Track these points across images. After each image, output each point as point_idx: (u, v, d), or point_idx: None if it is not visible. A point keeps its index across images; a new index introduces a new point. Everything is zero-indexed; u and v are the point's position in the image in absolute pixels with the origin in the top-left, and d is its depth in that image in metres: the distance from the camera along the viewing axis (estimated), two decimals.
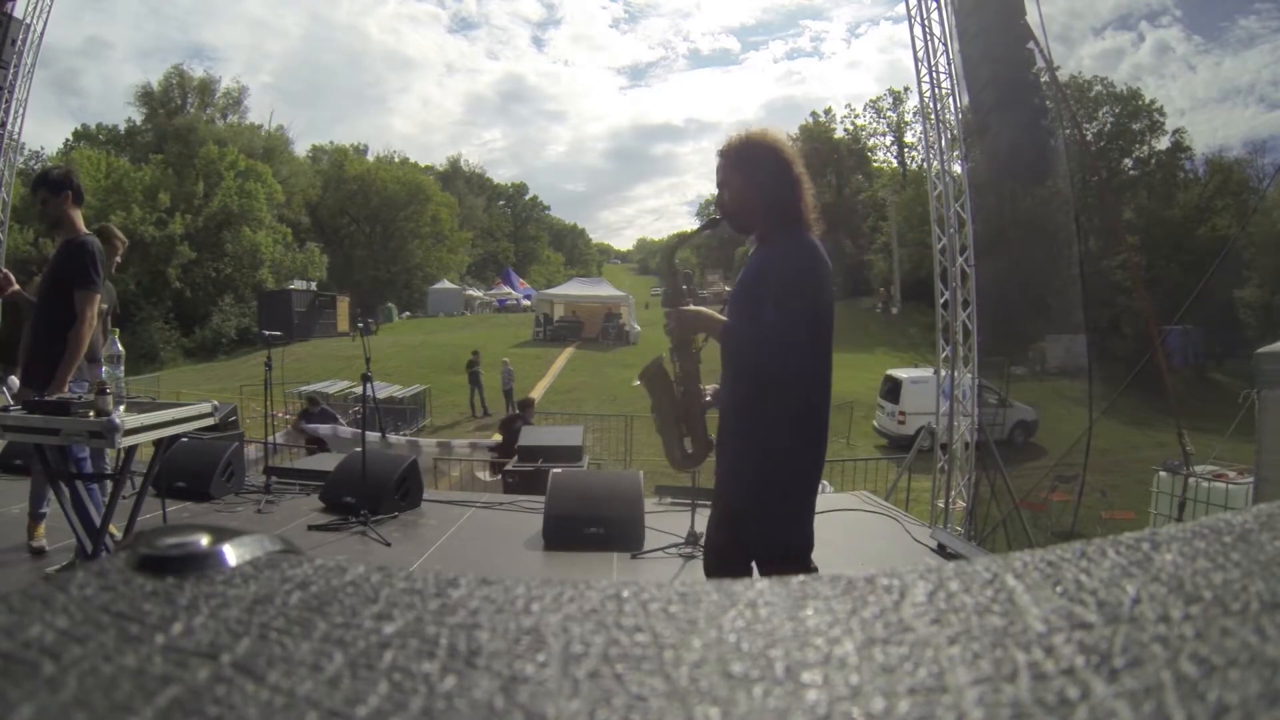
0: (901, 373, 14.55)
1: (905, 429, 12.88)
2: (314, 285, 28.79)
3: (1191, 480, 5.14)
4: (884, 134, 37.11)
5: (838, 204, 35.91)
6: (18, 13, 5.87)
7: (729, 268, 41.21)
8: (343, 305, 27.89)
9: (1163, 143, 25.76)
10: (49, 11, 6.07)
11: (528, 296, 34.25)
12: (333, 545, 3.93)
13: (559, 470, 4.48)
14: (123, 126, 32.74)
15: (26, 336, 3.20)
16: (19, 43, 5.95)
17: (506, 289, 36.89)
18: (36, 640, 0.19)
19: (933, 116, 5.23)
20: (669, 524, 4.20)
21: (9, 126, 6.17)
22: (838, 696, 0.17)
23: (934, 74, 5.21)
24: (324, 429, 8.35)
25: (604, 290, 27.44)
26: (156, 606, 0.21)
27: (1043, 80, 4.93)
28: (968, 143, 5.29)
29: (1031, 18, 4.65)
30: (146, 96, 32.98)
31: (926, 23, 5.24)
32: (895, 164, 36.06)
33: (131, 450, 2.73)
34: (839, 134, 37.19)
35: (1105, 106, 26.23)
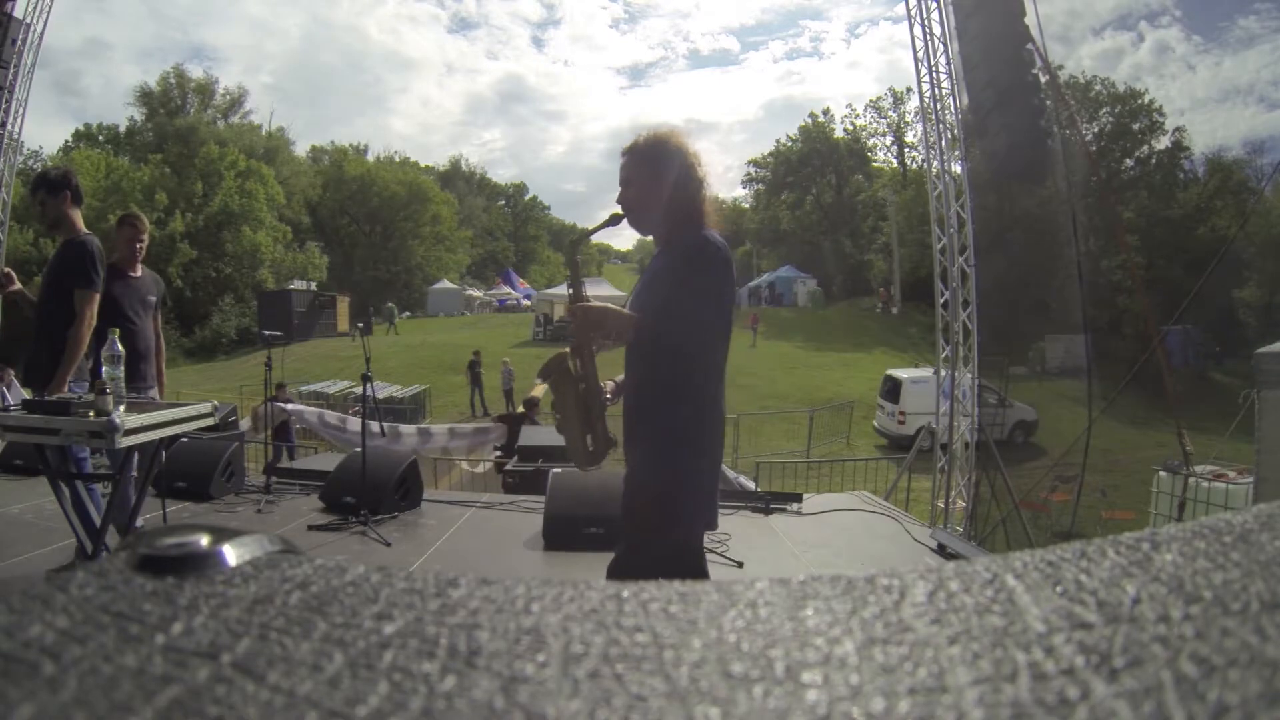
0: (901, 373, 14.55)
1: (905, 429, 12.87)
2: (314, 285, 28.79)
3: (1191, 480, 5.13)
4: (884, 134, 37.14)
5: (838, 204, 35.95)
6: (18, 13, 5.87)
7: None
8: (342, 305, 27.89)
9: (1162, 143, 25.78)
10: (49, 11, 6.07)
11: (528, 296, 34.24)
12: (333, 545, 3.93)
13: (559, 470, 4.48)
14: (123, 126, 32.79)
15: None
16: (19, 43, 5.95)
17: (506, 289, 36.88)
18: (36, 640, 0.19)
19: (933, 116, 5.23)
20: None
21: (9, 126, 6.17)
22: (838, 696, 0.17)
23: (934, 74, 5.21)
24: (297, 409, 8.27)
25: (604, 290, 27.39)
26: (156, 606, 0.21)
27: (1043, 81, 4.93)
28: (967, 143, 5.29)
29: (1031, 18, 4.65)
30: (146, 97, 33.02)
31: (926, 23, 5.24)
32: (895, 164, 36.07)
33: (131, 450, 2.73)
34: (839, 134, 37.22)
35: (1105, 106, 26.25)
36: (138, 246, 3.48)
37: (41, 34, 6.12)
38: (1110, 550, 0.23)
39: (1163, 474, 5.60)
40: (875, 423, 15.31)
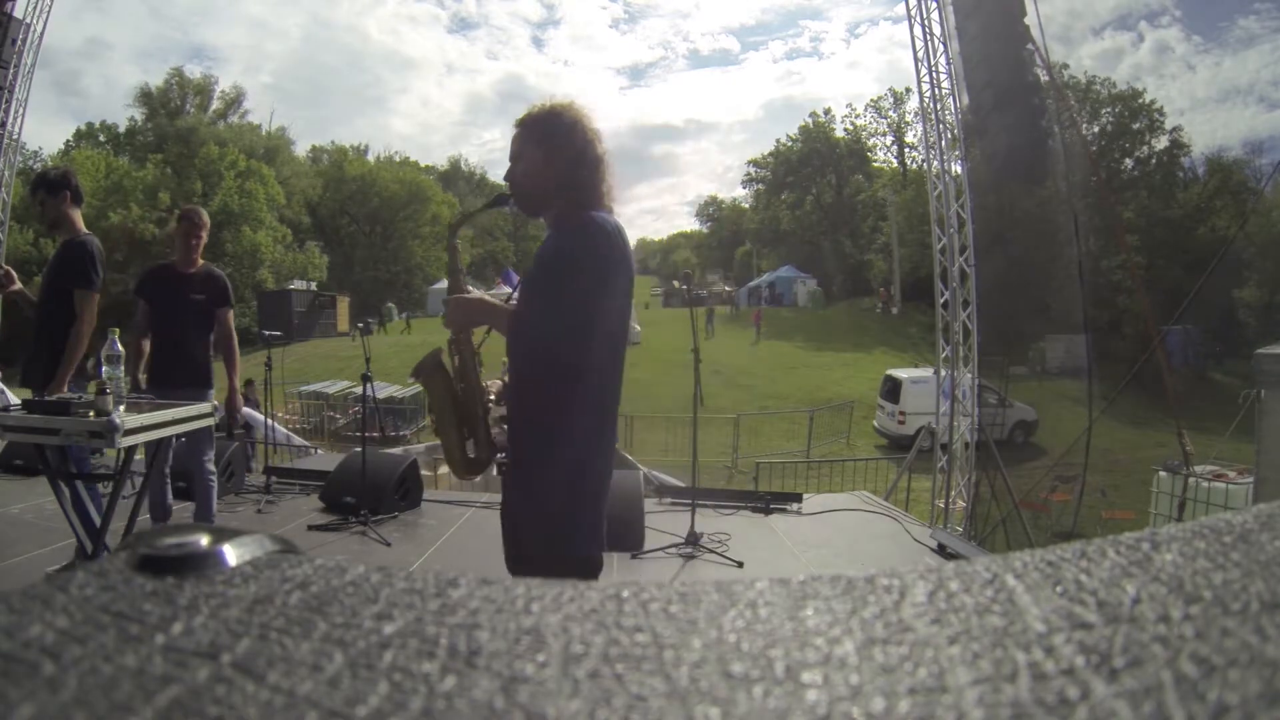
0: (901, 373, 14.56)
1: (905, 429, 12.89)
2: (314, 285, 28.81)
3: (1191, 480, 5.14)
4: (884, 134, 37.16)
5: (838, 204, 35.95)
6: (18, 13, 5.88)
7: (729, 267, 41.22)
8: (342, 305, 27.88)
9: (1162, 143, 25.79)
10: (49, 11, 6.07)
11: None
12: (333, 545, 3.93)
13: None
14: (123, 127, 32.81)
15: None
16: (19, 43, 5.95)
17: (506, 289, 36.89)
18: (36, 640, 0.19)
19: (933, 116, 5.23)
20: (669, 524, 4.20)
21: (9, 126, 6.18)
22: (838, 696, 0.17)
23: (934, 74, 5.21)
24: (250, 413, 8.09)
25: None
26: (156, 606, 0.21)
27: (1043, 81, 4.94)
28: (967, 143, 5.30)
29: (1031, 18, 4.66)
30: (146, 97, 33.05)
31: (926, 23, 5.24)
32: (895, 164, 36.07)
33: (131, 450, 2.73)
34: (839, 134, 37.23)
35: (1105, 107, 26.25)
36: (194, 243, 3.46)
37: (41, 34, 6.13)
38: (1110, 550, 0.23)
39: (1163, 474, 5.60)
40: (875, 423, 15.32)
